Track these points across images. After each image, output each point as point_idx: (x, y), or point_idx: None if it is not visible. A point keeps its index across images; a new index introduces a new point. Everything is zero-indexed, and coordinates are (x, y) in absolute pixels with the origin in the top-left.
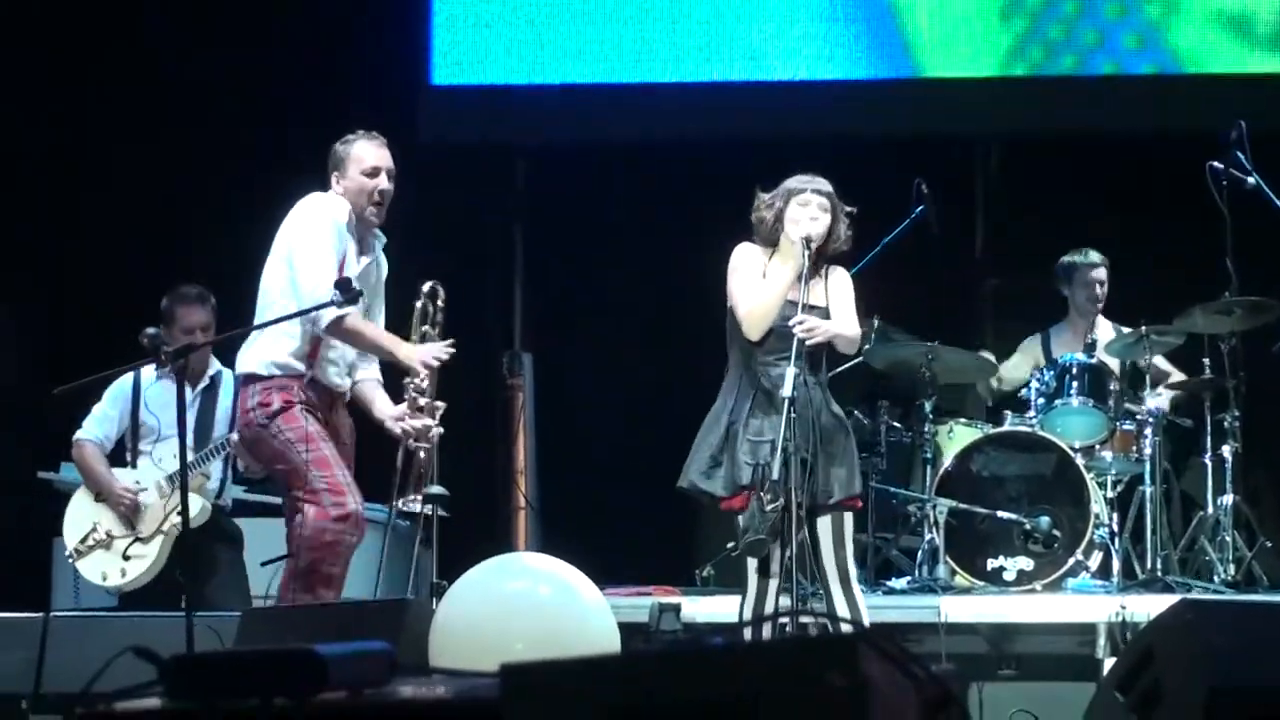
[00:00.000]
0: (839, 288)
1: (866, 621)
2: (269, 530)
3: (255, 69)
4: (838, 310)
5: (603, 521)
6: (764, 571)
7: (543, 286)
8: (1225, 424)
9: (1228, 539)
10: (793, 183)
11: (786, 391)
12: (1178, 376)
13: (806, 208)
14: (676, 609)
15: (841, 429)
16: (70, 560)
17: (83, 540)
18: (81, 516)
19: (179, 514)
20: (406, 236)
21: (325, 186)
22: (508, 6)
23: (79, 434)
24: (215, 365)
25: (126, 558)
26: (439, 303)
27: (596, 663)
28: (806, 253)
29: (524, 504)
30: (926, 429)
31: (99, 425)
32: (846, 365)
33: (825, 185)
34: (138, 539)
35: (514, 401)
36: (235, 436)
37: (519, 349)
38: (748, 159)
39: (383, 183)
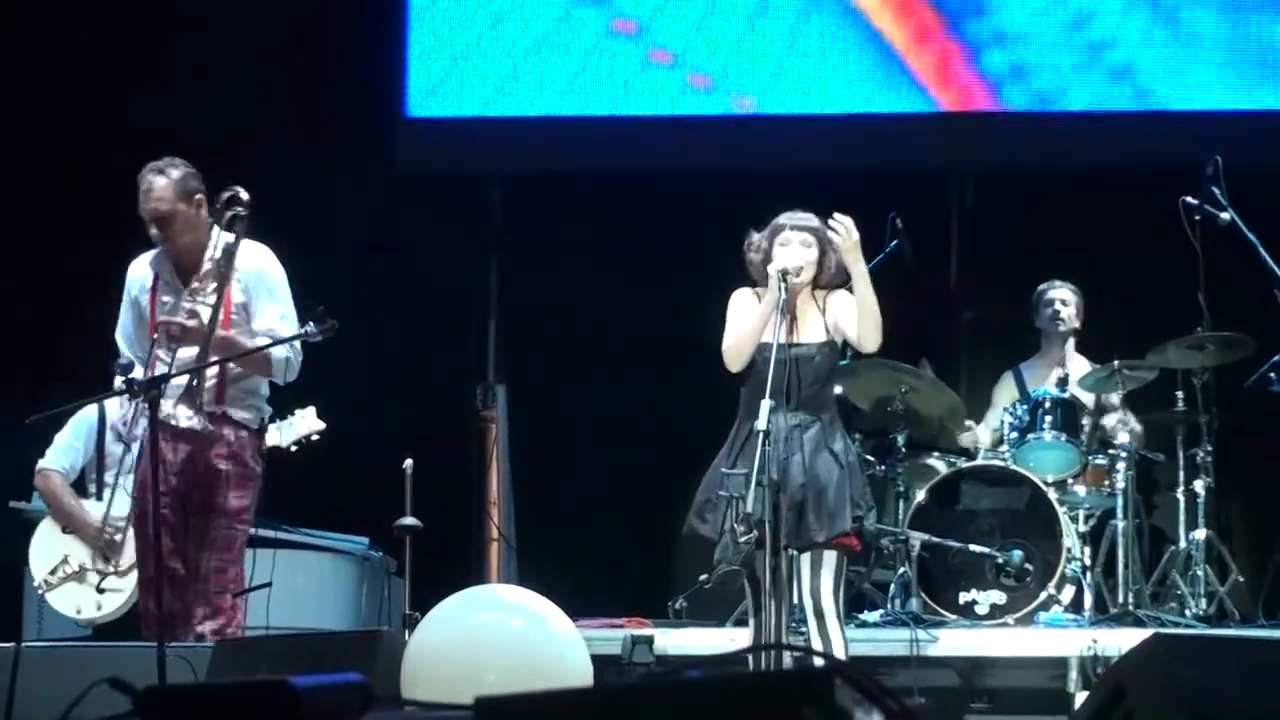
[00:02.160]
0: (846, 307)
1: (840, 658)
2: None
3: (230, 102)
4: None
5: (576, 553)
6: (756, 606)
7: (517, 318)
8: (1197, 459)
9: (1199, 573)
10: (778, 220)
11: (761, 425)
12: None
13: (788, 245)
14: (649, 641)
15: (839, 468)
16: (39, 592)
17: (52, 572)
18: (50, 548)
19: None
20: (382, 267)
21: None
22: (483, 39)
23: (43, 464)
24: None
25: (101, 591)
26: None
27: (570, 695)
28: (783, 285)
29: (497, 535)
30: (900, 462)
31: (64, 455)
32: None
33: (808, 220)
34: (114, 572)
35: (488, 433)
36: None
37: (493, 380)
38: (723, 191)
39: (153, 230)
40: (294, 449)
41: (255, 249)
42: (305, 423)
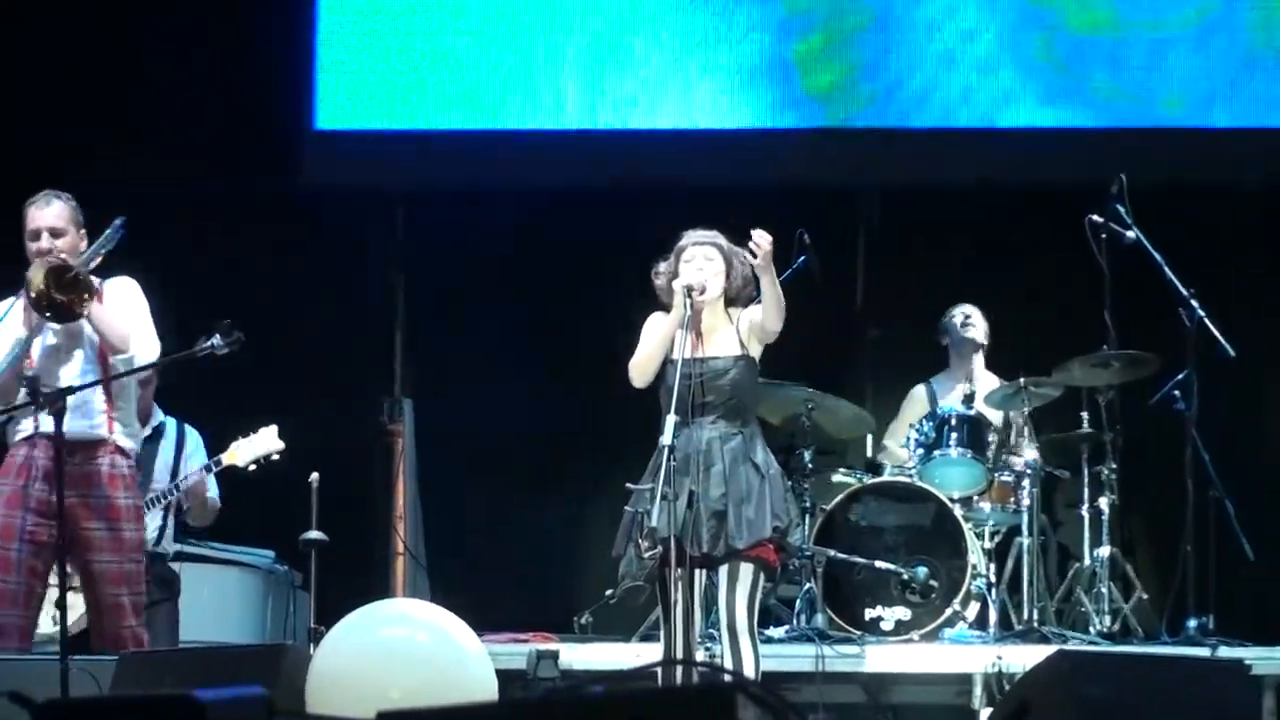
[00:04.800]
0: (756, 311)
1: (752, 674)
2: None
3: (134, 112)
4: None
5: (481, 568)
6: (665, 620)
7: (423, 332)
8: (1102, 476)
9: (1104, 590)
10: (680, 242)
11: (665, 439)
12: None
13: (691, 262)
14: (554, 656)
15: (760, 478)
16: None
17: None
18: None
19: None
20: (288, 279)
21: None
22: (391, 53)
23: None
24: (158, 415)
25: (58, 606)
26: None
27: (474, 711)
28: (688, 301)
29: (403, 550)
30: (806, 478)
31: None
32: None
33: (711, 236)
34: (72, 587)
35: (394, 447)
36: (192, 479)
37: (399, 395)
38: (630, 207)
39: (42, 243)
40: (252, 468)
41: (122, 279)
42: (265, 441)
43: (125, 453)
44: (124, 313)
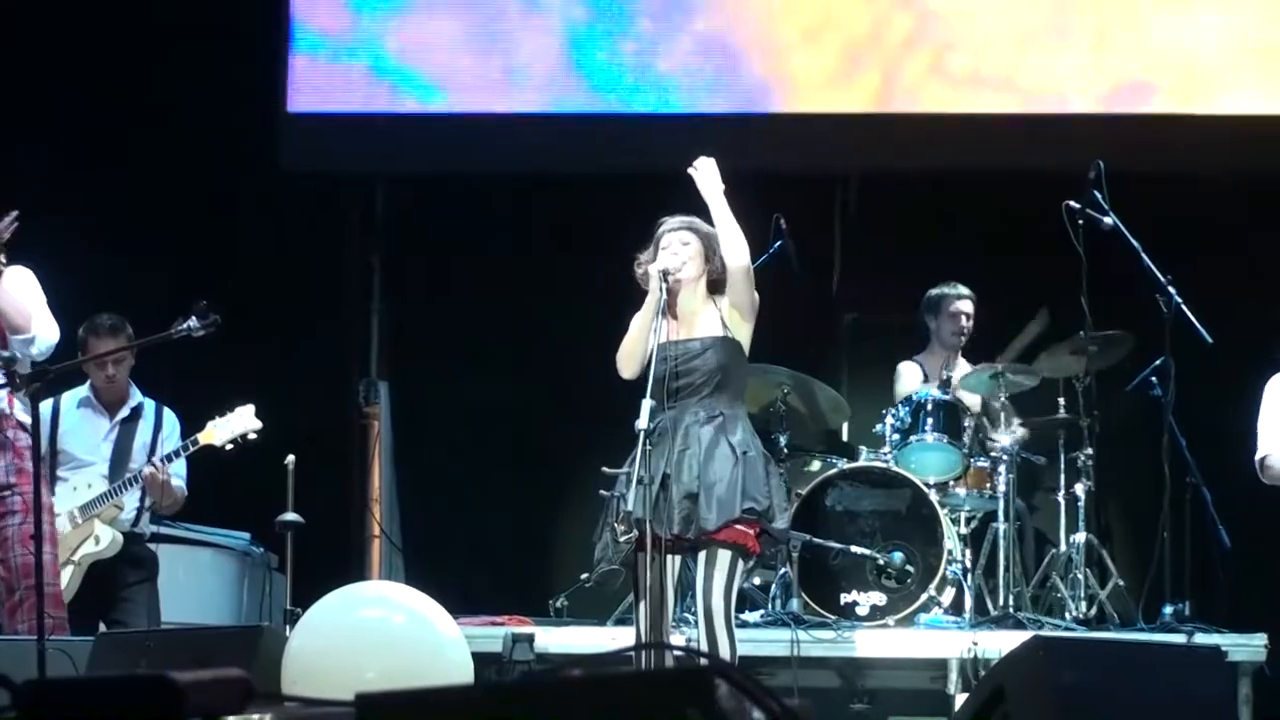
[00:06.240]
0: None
1: (726, 659)
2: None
3: (110, 95)
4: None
5: (457, 551)
6: (639, 604)
7: (400, 315)
8: (1079, 462)
9: (1080, 576)
10: (659, 229)
11: (641, 423)
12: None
13: (669, 248)
14: (530, 639)
15: (734, 460)
16: None
17: None
18: None
19: (94, 543)
20: (264, 262)
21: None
22: (368, 35)
23: None
24: (136, 396)
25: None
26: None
27: (452, 693)
28: (664, 284)
29: (379, 532)
30: (782, 463)
31: None
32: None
33: (686, 220)
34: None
35: (370, 429)
36: (147, 470)
37: (375, 377)
38: (608, 191)
39: None
40: (229, 448)
41: (17, 267)
42: (242, 421)
43: (24, 427)
44: (23, 294)
